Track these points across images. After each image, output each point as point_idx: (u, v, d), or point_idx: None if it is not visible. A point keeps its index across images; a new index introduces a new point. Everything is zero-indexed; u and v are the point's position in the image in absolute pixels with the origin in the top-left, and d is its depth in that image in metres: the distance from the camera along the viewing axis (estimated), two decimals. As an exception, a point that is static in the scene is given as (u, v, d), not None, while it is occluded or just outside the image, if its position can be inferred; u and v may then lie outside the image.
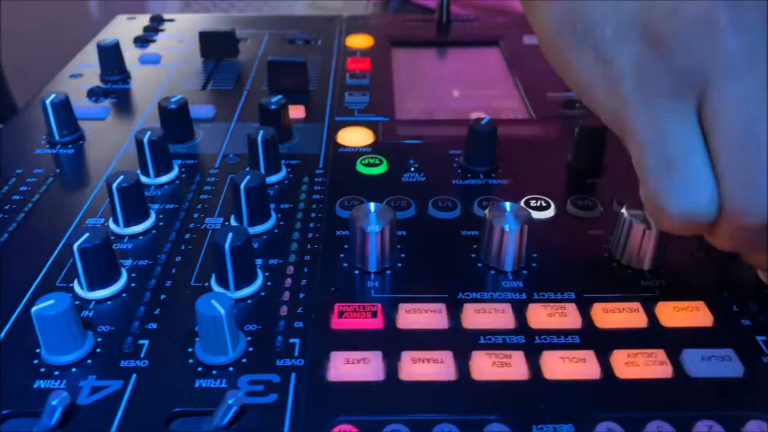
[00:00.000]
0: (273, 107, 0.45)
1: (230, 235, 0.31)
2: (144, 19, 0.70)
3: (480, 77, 0.59)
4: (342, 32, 0.67)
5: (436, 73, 0.61)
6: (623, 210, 0.34)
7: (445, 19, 0.68)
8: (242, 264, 0.32)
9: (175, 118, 0.46)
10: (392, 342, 0.30)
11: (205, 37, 0.60)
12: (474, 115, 0.53)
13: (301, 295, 0.33)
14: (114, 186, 0.36)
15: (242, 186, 0.36)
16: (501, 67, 0.60)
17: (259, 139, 0.40)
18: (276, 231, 0.37)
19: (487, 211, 0.34)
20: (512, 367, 0.29)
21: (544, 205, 0.39)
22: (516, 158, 0.45)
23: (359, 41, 0.64)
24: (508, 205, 0.34)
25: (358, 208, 0.34)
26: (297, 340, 0.30)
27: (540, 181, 0.42)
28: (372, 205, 0.34)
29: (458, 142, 0.45)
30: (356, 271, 0.34)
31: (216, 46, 0.60)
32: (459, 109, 0.54)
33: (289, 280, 0.34)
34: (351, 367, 0.29)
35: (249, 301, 0.32)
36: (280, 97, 0.46)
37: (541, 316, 0.31)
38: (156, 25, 0.68)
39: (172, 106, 0.45)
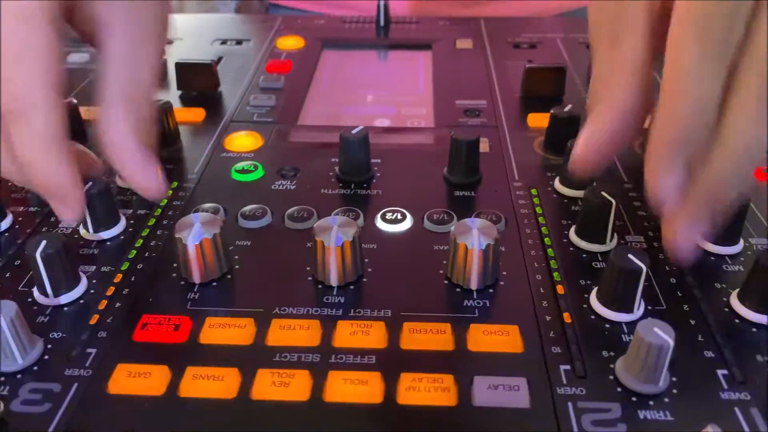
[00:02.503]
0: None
1: (43, 242, 0.32)
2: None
3: (402, 82, 0.59)
4: (278, 33, 0.66)
5: (359, 76, 0.60)
6: (452, 227, 0.33)
7: (383, 22, 0.67)
8: (57, 271, 0.32)
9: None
10: (187, 357, 0.30)
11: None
12: (377, 122, 0.52)
13: (117, 305, 0.33)
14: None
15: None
16: (426, 72, 0.59)
17: (121, 144, 0.40)
18: (122, 237, 0.38)
19: (315, 226, 0.34)
20: (291, 387, 0.28)
21: (399, 218, 0.39)
22: (396, 168, 0.44)
23: (289, 42, 0.63)
24: (336, 219, 0.34)
25: (183, 219, 0.34)
26: (94, 350, 0.30)
27: (411, 193, 0.41)
28: (196, 216, 0.34)
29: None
30: (182, 282, 0.34)
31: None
32: (366, 115, 0.53)
33: (112, 289, 0.34)
34: (133, 380, 0.29)
35: (66, 309, 0.33)
36: (163, 100, 0.46)
37: (345, 334, 0.31)
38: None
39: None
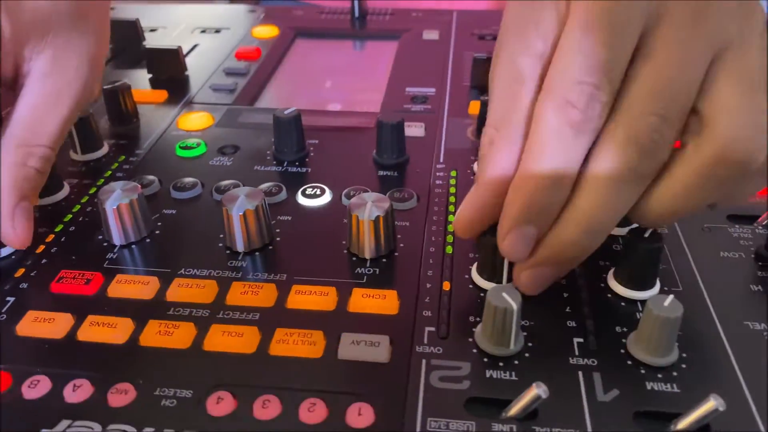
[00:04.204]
0: (111, 90, 0.48)
1: (-24, 202, 0.35)
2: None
3: (363, 70, 0.61)
4: (257, 22, 0.69)
5: (325, 64, 0.63)
6: (350, 200, 0.36)
7: (358, 13, 0.69)
8: (-11, 229, 0.36)
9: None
10: (91, 307, 0.33)
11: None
12: (329, 106, 0.55)
13: (44, 261, 0.36)
14: None
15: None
16: (388, 61, 0.62)
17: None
18: (64, 203, 0.41)
19: (223, 196, 0.37)
20: (174, 336, 0.31)
21: (318, 193, 0.41)
22: (331, 149, 0.46)
23: (264, 31, 0.66)
24: (243, 189, 0.37)
25: (106, 186, 0.37)
26: (12, 299, 0.34)
27: (339, 171, 0.44)
28: (119, 183, 0.37)
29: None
30: (105, 244, 0.38)
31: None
32: (319, 99, 0.56)
33: (42, 247, 0.37)
34: (38, 324, 0.32)
35: (-4, 263, 0.36)
36: (121, 81, 0.49)
37: (236, 293, 0.34)
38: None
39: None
